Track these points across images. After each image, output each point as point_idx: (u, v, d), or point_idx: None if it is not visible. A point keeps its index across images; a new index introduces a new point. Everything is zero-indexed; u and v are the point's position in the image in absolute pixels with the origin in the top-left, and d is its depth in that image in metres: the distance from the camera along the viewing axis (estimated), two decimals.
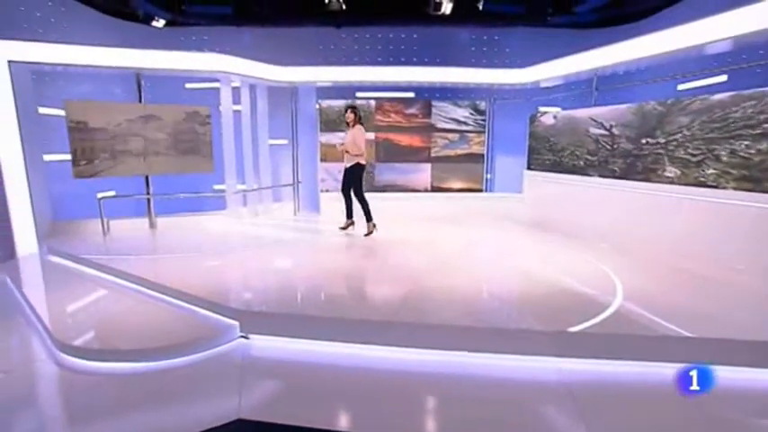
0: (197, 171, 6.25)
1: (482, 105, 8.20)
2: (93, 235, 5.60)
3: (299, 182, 7.24)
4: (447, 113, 8.23)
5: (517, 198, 7.39)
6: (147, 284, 3.71)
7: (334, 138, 8.05)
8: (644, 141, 4.47)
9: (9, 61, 4.82)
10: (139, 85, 5.86)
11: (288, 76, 6.84)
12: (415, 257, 4.43)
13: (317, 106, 7.41)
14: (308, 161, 7.21)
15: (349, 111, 5.37)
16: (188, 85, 6.95)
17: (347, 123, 5.42)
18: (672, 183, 4.16)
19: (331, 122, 8.13)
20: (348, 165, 5.38)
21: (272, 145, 7.29)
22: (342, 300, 3.33)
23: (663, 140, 4.27)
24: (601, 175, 5.05)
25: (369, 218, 5.37)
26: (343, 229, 5.58)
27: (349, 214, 5.56)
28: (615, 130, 4.84)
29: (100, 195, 5.87)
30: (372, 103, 8.19)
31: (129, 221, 6.13)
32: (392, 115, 8.23)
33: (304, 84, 6.99)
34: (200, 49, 6.74)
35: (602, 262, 4.19)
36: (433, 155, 8.33)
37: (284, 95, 7.14)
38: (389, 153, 8.34)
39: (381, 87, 7.87)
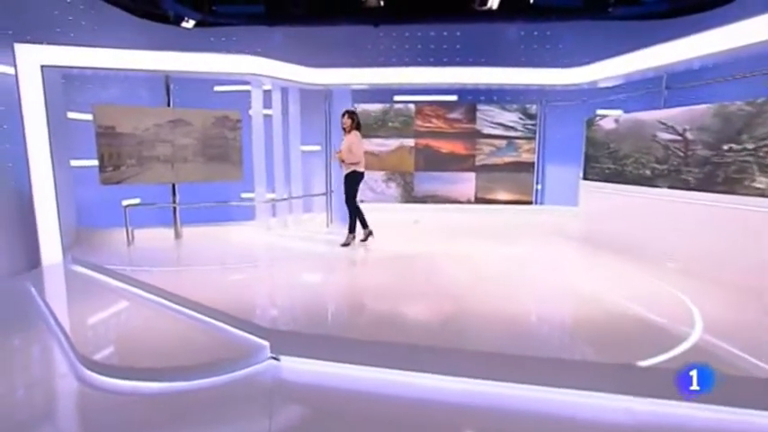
0: (225, 179, 6.43)
1: (532, 109, 8.06)
2: (117, 244, 5.82)
3: (331, 191, 7.28)
4: (493, 118, 8.13)
5: (571, 211, 7.24)
6: (173, 298, 3.79)
7: (368, 144, 8.08)
8: (726, 147, 4.26)
9: (42, 66, 5.10)
10: (168, 89, 6.10)
11: (321, 79, 6.95)
12: (456, 275, 4.42)
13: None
14: (341, 169, 7.17)
15: (346, 116, 5.49)
16: (217, 88, 7.17)
17: (344, 129, 5.52)
18: (762, 195, 3.94)
19: (367, 127, 8.14)
20: (345, 173, 5.52)
21: (303, 151, 7.38)
22: (378, 320, 3.32)
23: (751, 146, 4.06)
24: (671, 186, 4.83)
25: (352, 229, 5.58)
26: (363, 240, 5.64)
27: (364, 224, 5.68)
28: (689, 135, 4.64)
29: (125, 203, 6.10)
30: (412, 107, 8.20)
31: (153, 231, 6.33)
32: (433, 120, 8.20)
33: (338, 86, 7.08)
34: (230, 50, 6.87)
35: (673, 285, 4.00)
36: (477, 163, 8.25)
37: (317, 99, 7.25)
38: (430, 161, 8.31)
39: (422, 90, 7.86)
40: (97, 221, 6.31)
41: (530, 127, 8.10)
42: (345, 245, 5.52)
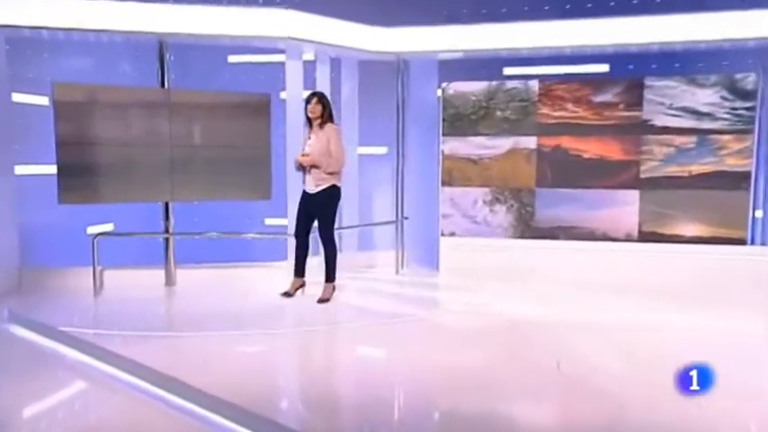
0: (245, 197, 6.58)
1: (747, 81, 7.54)
2: (78, 294, 5.88)
3: (404, 218, 7.22)
4: (675, 99, 7.68)
5: None
6: (158, 381, 3.70)
7: (464, 146, 8.03)
8: None
9: None
10: (163, 61, 6.24)
11: (392, 44, 6.96)
12: (612, 362, 4.29)
13: (439, 93, 7.37)
14: (421, 184, 7.17)
15: (314, 100, 5.69)
16: (233, 59, 7.32)
17: (309, 120, 5.73)
18: None
19: (462, 119, 8.07)
20: (318, 188, 5.68)
21: (362, 156, 7.37)
22: None
23: None
24: None
25: (333, 275, 5.84)
26: (289, 295, 5.79)
27: (299, 268, 5.90)
28: None
29: (93, 231, 6.17)
30: (534, 85, 7.98)
31: (134, 273, 6.40)
32: (569, 106, 7.94)
33: (418, 55, 7.02)
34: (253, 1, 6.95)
35: None
36: (644, 175, 7.83)
37: (385, 76, 7.20)
38: (563, 172, 8.01)
39: (550, 57, 7.60)
40: (51, 258, 6.44)
41: (742, 113, 7.57)
42: (324, 300, 5.74)
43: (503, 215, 8.17)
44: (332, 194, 5.70)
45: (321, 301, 5.69)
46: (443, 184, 7.62)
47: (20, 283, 6.07)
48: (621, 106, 7.82)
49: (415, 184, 7.25)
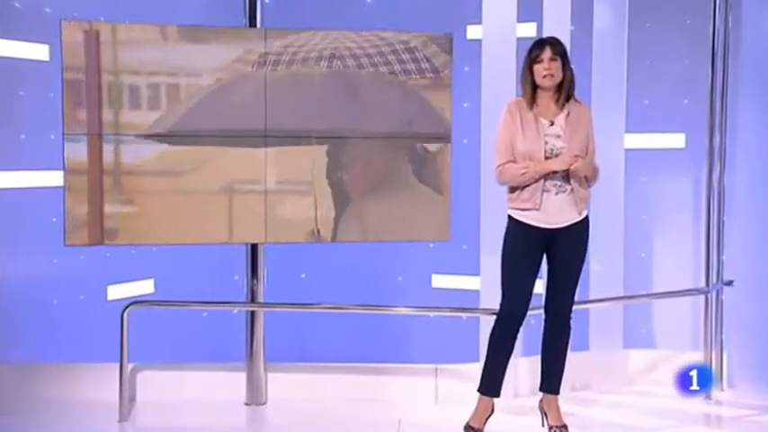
0: (404, 236, 6.10)
1: None
2: (91, 414, 5.55)
3: (724, 284, 6.30)
4: None
5: None
6: None
7: None
8: None
9: None
10: None
11: None
12: None
13: None
14: (763, 212, 6.49)
15: (550, 52, 5.13)
16: None
17: (533, 88, 5.19)
18: None
19: None
20: (579, 217, 5.21)
21: (631, 153, 6.60)
22: None
23: None
24: None
25: (560, 382, 5.71)
26: (468, 428, 5.35)
27: (490, 377, 5.47)
28: None
29: (116, 295, 6.11)
30: None
31: (190, 378, 5.96)
32: None
33: None
34: None
35: None
36: None
37: None
38: None
39: None
40: (45, 348, 6.25)
41: None
42: (560, 429, 5.34)
43: None
44: (588, 228, 5.19)
45: (558, 430, 5.18)
46: None
47: None
48: None
49: (751, 214, 6.26)
